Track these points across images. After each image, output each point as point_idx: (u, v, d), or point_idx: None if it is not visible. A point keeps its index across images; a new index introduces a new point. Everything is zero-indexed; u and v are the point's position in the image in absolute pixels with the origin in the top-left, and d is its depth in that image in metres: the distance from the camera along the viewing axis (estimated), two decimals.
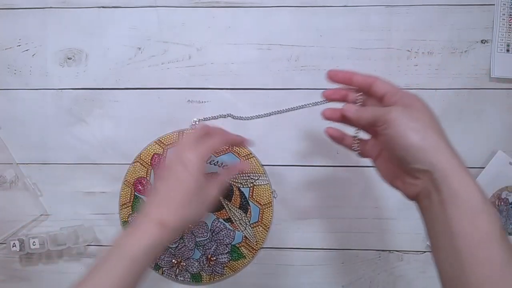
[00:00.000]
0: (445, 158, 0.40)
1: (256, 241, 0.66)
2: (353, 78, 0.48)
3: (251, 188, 0.65)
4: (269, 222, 0.65)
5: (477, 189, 0.38)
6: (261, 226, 0.65)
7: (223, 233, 0.65)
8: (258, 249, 0.66)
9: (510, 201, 0.65)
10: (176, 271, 0.66)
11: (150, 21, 0.66)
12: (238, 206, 0.65)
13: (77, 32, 0.66)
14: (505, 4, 0.64)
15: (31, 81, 0.67)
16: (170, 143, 0.66)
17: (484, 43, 0.65)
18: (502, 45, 0.64)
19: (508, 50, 0.64)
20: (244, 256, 0.66)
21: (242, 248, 0.65)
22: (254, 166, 0.65)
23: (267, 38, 0.65)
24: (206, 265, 0.66)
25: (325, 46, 0.65)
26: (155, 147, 0.66)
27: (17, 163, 0.67)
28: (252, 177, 0.65)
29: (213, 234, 0.65)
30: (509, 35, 0.64)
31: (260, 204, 0.65)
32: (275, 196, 0.65)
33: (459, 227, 0.38)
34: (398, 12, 0.65)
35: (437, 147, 0.41)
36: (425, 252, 0.66)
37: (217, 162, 0.65)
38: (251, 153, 0.65)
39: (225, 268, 0.66)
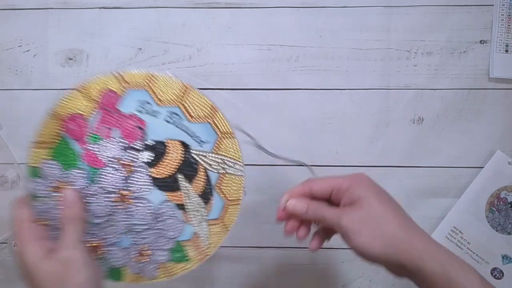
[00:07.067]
0: (420, 250, 0.40)
1: (209, 244, 0.50)
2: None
3: (221, 175, 0.49)
4: (230, 223, 0.50)
5: (474, 273, 0.39)
6: (220, 226, 0.50)
7: (169, 222, 0.49)
8: (208, 254, 0.50)
9: (509, 200, 0.65)
10: (91, 257, 0.46)
11: (150, 21, 0.66)
12: (198, 193, 0.49)
13: (78, 32, 0.66)
14: (504, 5, 0.64)
15: (32, 82, 0.67)
16: (133, 84, 0.48)
17: (483, 43, 0.65)
18: (501, 45, 0.64)
19: (507, 51, 0.64)
20: (188, 259, 0.50)
21: (189, 248, 0.50)
22: (233, 149, 0.50)
23: (267, 39, 0.66)
24: (134, 259, 0.49)
25: (325, 46, 0.65)
26: (112, 81, 0.48)
27: (19, 163, 0.68)
28: (226, 161, 0.50)
29: (156, 220, 0.49)
30: (508, 36, 0.64)
31: (227, 199, 0.50)
32: (245, 194, 0.51)
33: None
34: (397, 13, 0.65)
35: (402, 241, 0.40)
36: None
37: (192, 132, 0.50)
38: (232, 133, 0.50)
39: (159, 269, 0.50)
